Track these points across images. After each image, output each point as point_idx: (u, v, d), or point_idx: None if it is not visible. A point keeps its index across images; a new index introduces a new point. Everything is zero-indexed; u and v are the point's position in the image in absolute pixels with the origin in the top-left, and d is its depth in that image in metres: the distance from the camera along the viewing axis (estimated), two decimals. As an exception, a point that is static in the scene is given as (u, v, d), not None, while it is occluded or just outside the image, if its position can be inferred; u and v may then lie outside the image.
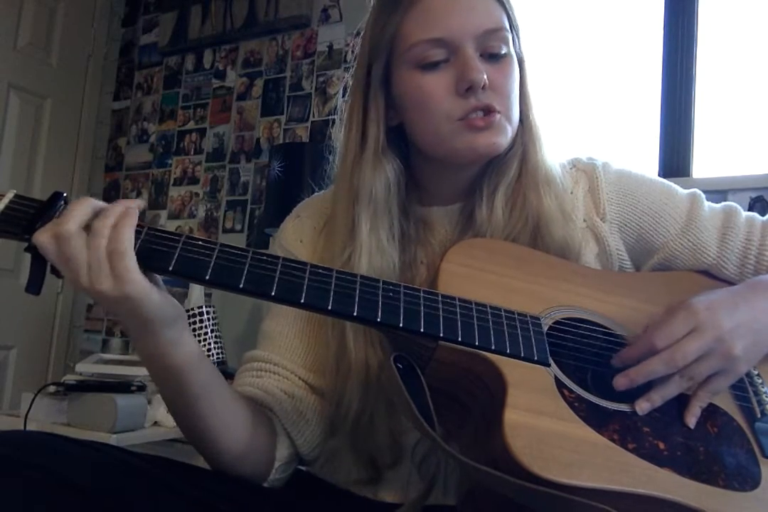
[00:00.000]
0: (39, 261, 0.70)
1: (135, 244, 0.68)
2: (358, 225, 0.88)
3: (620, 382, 0.76)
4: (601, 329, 0.82)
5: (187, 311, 2.17)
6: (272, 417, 0.89)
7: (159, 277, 0.73)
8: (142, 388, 1.87)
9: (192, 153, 3.00)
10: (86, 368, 2.02)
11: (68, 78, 3.18)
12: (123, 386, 1.82)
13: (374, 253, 0.87)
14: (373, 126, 0.90)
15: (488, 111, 0.85)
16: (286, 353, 0.93)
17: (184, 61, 3.10)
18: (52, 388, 1.89)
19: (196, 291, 2.28)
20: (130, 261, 0.67)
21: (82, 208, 0.69)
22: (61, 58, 3.15)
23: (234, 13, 2.90)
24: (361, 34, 0.93)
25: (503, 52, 0.87)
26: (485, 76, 0.84)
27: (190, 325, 2.10)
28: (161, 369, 0.76)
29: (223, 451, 0.82)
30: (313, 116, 2.69)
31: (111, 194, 3.19)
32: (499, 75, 0.86)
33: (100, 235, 0.67)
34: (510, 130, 0.88)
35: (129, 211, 0.69)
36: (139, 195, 3.10)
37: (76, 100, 3.22)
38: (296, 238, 0.98)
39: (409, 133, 0.92)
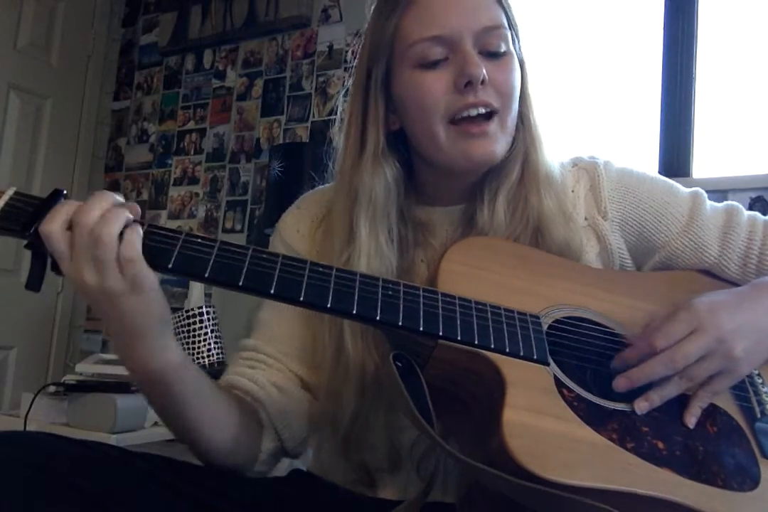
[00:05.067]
0: (39, 258, 0.70)
1: None
2: (357, 228, 0.88)
3: (620, 383, 0.76)
4: (601, 328, 0.81)
5: (187, 311, 2.16)
6: (260, 409, 0.89)
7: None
8: (142, 388, 1.87)
9: (192, 153, 3.00)
10: (86, 368, 2.02)
11: (68, 78, 3.17)
12: (123, 386, 1.82)
13: (373, 257, 0.87)
14: (372, 130, 0.90)
15: (486, 106, 0.84)
16: (281, 345, 0.93)
17: (184, 61, 3.10)
18: (52, 388, 1.90)
19: (196, 292, 2.28)
20: (142, 257, 0.68)
21: (105, 199, 0.70)
22: (61, 58, 3.15)
23: (234, 13, 2.90)
24: (361, 39, 0.93)
25: (503, 49, 0.87)
26: (484, 71, 0.83)
27: (189, 325, 2.13)
28: (148, 375, 0.75)
29: (211, 450, 0.83)
30: (313, 116, 2.69)
31: (111, 194, 3.19)
32: (500, 72, 0.86)
33: (110, 230, 0.67)
34: (505, 136, 0.88)
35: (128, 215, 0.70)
36: (139, 195, 3.10)
37: (76, 100, 3.22)
38: (294, 228, 0.98)
39: (409, 137, 0.91)
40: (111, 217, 0.68)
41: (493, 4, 0.88)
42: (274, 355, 0.93)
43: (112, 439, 1.72)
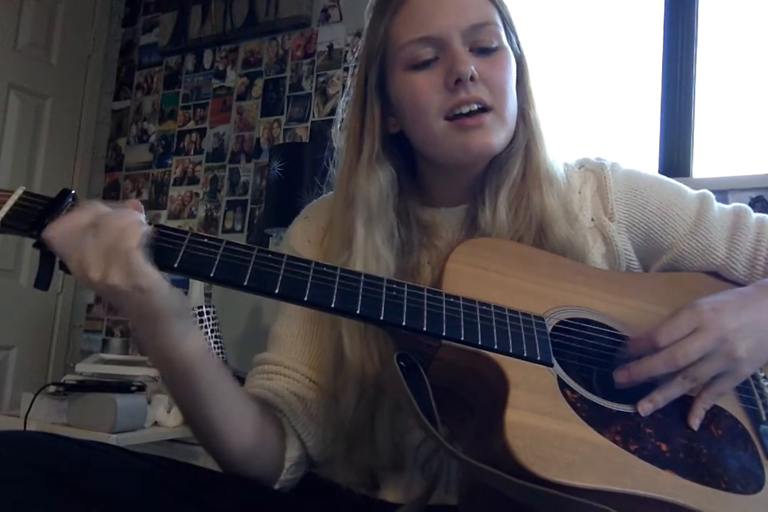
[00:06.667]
0: (48, 257, 0.71)
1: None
2: (353, 231, 0.89)
3: (619, 375, 0.75)
4: (606, 330, 0.81)
5: (187, 311, 2.16)
6: (282, 418, 0.89)
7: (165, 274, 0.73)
8: (142, 388, 1.87)
9: (192, 153, 3.00)
10: (86, 368, 2.02)
11: (68, 78, 3.17)
12: (123, 386, 1.82)
13: (369, 259, 0.87)
14: (368, 135, 0.91)
15: (478, 103, 0.85)
16: (296, 355, 0.93)
17: (184, 61, 3.09)
18: (52, 388, 1.90)
19: (197, 291, 2.28)
20: (139, 255, 0.68)
21: (92, 207, 0.71)
22: (61, 58, 3.14)
23: (234, 13, 2.89)
24: (359, 45, 0.94)
25: (494, 45, 0.87)
26: (473, 68, 0.84)
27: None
28: (169, 365, 0.75)
29: (232, 450, 0.82)
30: (313, 116, 2.69)
31: (111, 194, 3.19)
32: (491, 67, 0.86)
33: (109, 230, 0.68)
34: (504, 128, 0.88)
35: (136, 214, 0.71)
36: (139, 195, 3.10)
37: (76, 100, 3.22)
38: (304, 238, 0.99)
39: (409, 138, 0.92)
40: (136, 221, 0.70)
41: (483, 2, 0.88)
42: (290, 365, 0.92)
43: (112, 439, 1.72)
